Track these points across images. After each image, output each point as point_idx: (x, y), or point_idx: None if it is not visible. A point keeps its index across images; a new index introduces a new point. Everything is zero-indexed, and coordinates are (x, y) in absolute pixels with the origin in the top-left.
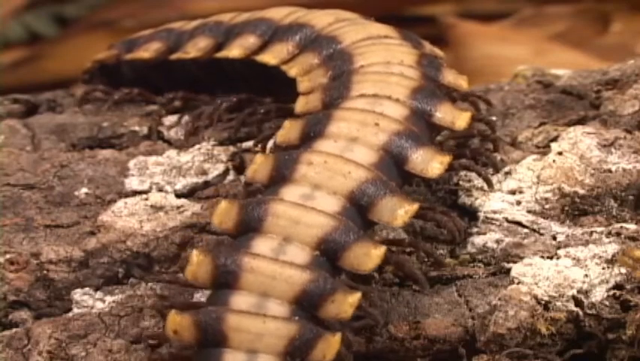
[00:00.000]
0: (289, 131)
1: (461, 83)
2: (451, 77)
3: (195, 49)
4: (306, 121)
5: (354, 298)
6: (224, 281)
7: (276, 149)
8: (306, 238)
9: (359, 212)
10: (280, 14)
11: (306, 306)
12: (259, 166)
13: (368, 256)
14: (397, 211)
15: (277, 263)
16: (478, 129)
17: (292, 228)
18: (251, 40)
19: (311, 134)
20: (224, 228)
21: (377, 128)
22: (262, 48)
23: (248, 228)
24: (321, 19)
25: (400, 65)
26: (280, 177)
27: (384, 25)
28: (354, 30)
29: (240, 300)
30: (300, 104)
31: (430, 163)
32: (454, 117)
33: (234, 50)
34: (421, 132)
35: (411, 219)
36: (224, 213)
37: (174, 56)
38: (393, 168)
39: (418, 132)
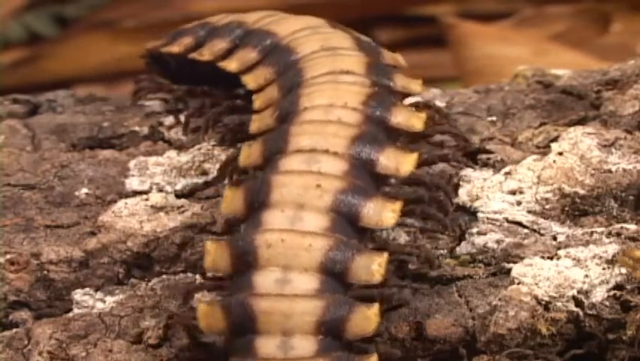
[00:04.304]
0: (232, 201)
1: (413, 123)
2: (401, 118)
3: (209, 52)
4: (247, 190)
5: None
6: None
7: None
8: (304, 328)
9: (337, 280)
10: (288, 30)
11: None
12: (216, 256)
13: (367, 319)
14: (372, 267)
15: None
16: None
17: (287, 322)
18: (251, 56)
19: (255, 205)
20: (217, 332)
21: (320, 190)
22: (256, 65)
23: (243, 330)
24: (308, 45)
25: (343, 107)
26: (244, 265)
27: (358, 58)
28: (320, 64)
29: None
30: (243, 157)
31: (382, 214)
32: (398, 162)
33: (233, 64)
34: (366, 184)
35: (387, 267)
36: (210, 316)
37: (191, 55)
38: (348, 227)
39: (363, 185)
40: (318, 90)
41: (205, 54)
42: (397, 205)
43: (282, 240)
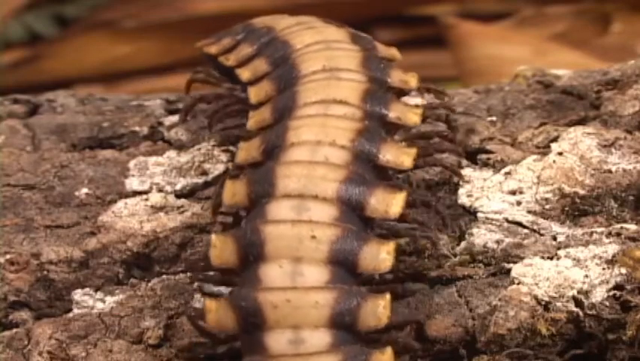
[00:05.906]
0: (223, 252)
1: (403, 160)
2: (390, 156)
3: (235, 57)
4: (237, 240)
5: None
6: None
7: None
8: None
9: (349, 331)
10: (303, 42)
11: None
12: (217, 315)
13: None
14: (378, 311)
15: None
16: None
17: None
18: (262, 68)
19: (250, 258)
20: None
21: (316, 242)
22: (263, 77)
23: None
24: (311, 63)
25: (331, 145)
26: (252, 326)
27: (357, 84)
28: (314, 90)
29: None
30: (228, 195)
31: (378, 257)
32: (388, 204)
33: (246, 72)
34: (357, 226)
35: (391, 307)
36: None
37: (220, 59)
38: (348, 276)
39: (355, 228)
40: (306, 125)
41: (230, 59)
42: (391, 246)
43: (288, 300)
